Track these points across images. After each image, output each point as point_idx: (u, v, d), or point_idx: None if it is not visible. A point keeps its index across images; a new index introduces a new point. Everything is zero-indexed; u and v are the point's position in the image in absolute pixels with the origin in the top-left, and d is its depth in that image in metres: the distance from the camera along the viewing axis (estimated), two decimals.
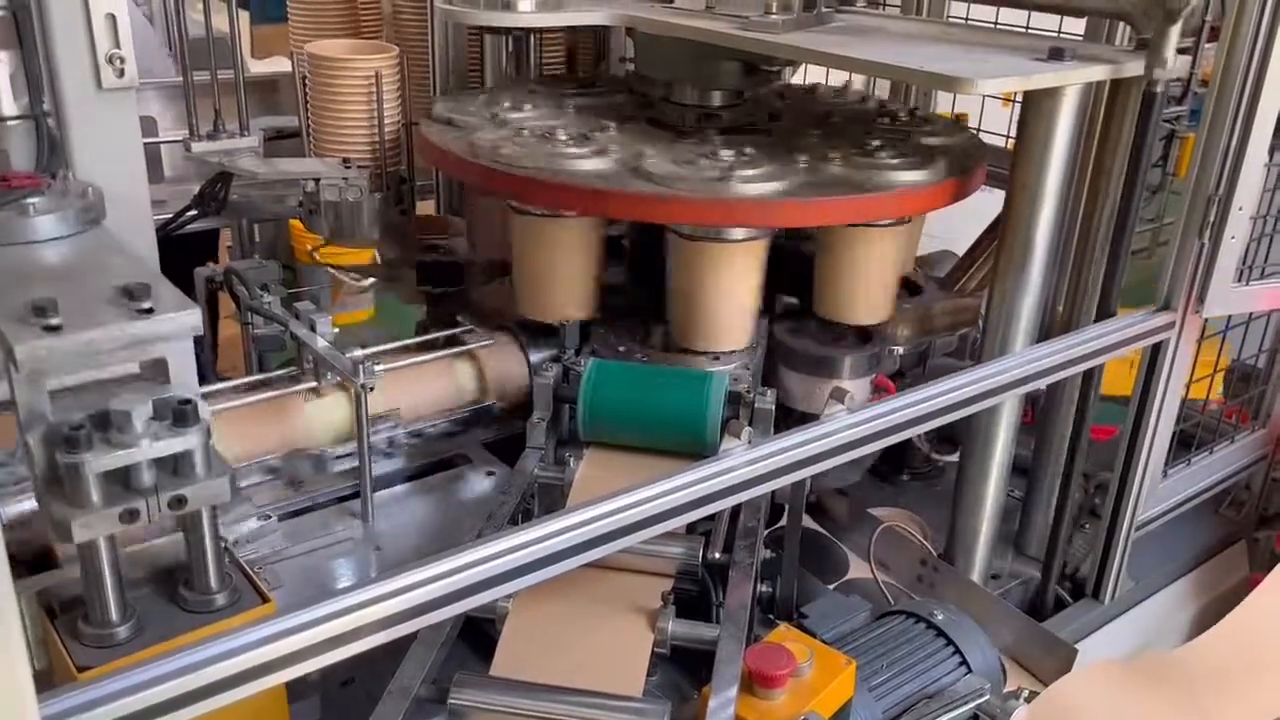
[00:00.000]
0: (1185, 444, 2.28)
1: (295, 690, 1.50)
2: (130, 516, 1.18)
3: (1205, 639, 2.04)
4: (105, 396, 1.20)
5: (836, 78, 2.83)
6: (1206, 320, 2.01)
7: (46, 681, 1.28)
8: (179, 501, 1.20)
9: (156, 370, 1.29)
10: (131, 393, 1.21)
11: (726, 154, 1.97)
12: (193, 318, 1.28)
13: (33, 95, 1.79)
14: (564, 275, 2.14)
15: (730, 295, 2.06)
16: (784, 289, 2.27)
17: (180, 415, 1.19)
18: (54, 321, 1.20)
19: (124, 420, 1.16)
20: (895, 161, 2.00)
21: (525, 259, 2.16)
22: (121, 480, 1.18)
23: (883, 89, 3.12)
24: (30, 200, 1.49)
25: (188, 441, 1.19)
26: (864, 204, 1.95)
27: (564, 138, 2.06)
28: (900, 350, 2.32)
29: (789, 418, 2.16)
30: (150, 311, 1.25)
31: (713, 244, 2.00)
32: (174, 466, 1.21)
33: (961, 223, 2.45)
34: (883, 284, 2.16)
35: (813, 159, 2.03)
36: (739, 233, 1.99)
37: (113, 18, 1.84)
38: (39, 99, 1.76)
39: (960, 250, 2.75)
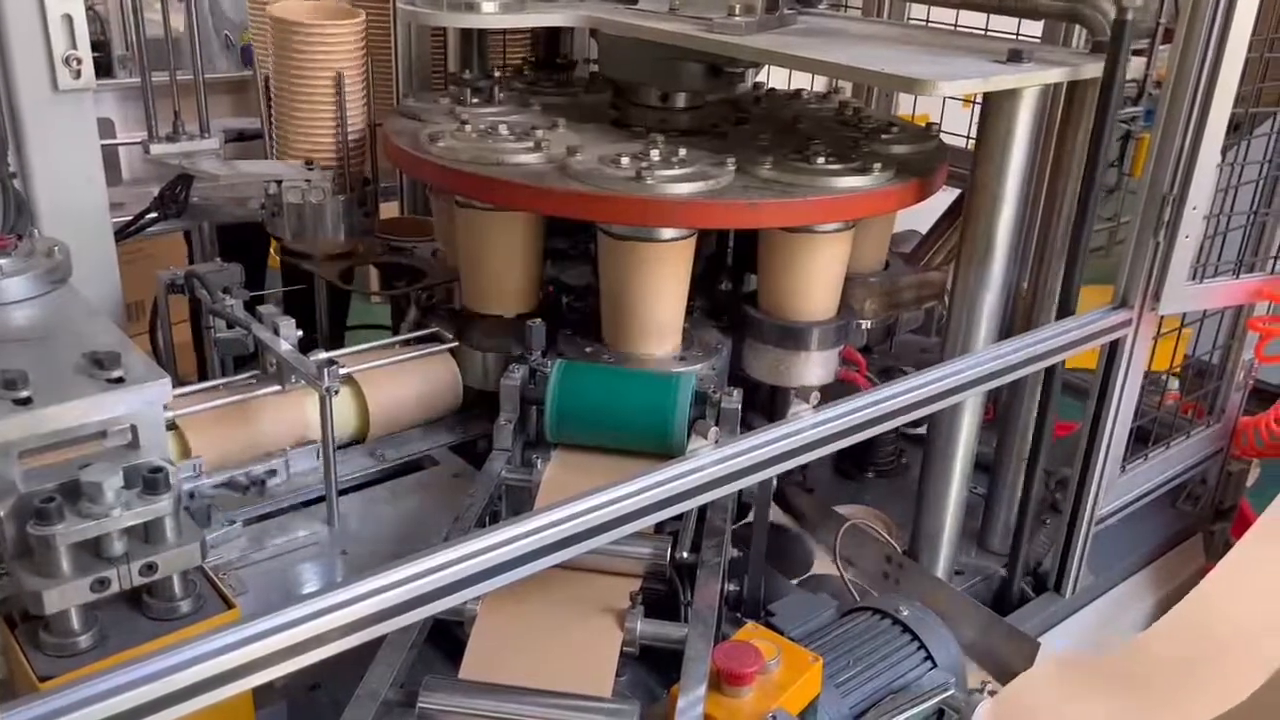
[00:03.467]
0: (1143, 439, 2.32)
1: (261, 697, 1.49)
2: (101, 585, 1.19)
3: (1163, 624, 2.07)
4: (75, 463, 1.21)
5: (812, 83, 2.85)
6: (1163, 317, 2.05)
7: (7, 692, 1.27)
8: (150, 568, 1.22)
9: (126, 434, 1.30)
10: (102, 461, 1.22)
11: (654, 153, 1.95)
12: (163, 388, 1.29)
13: None
14: (503, 268, 2.14)
15: (658, 296, 2.04)
16: (751, 267, 2.28)
17: (151, 484, 1.19)
18: (24, 394, 1.20)
19: (95, 491, 1.17)
20: (834, 166, 1.99)
21: (465, 251, 2.17)
22: (93, 549, 1.20)
23: (846, 91, 3.14)
24: None
25: (159, 509, 1.21)
26: (790, 208, 1.93)
27: (505, 133, 2.06)
28: (867, 325, 2.33)
29: (757, 392, 2.18)
30: (121, 381, 1.25)
31: (640, 244, 1.99)
32: (145, 534, 1.21)
33: (926, 204, 2.45)
34: (824, 287, 2.14)
35: (747, 161, 2.00)
36: (668, 233, 1.98)
37: (69, 18, 1.82)
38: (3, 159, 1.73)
39: (923, 230, 2.77)
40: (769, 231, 2.09)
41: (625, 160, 1.93)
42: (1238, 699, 1.71)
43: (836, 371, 2.20)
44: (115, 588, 1.20)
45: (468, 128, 2.10)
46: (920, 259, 2.54)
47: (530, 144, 2.02)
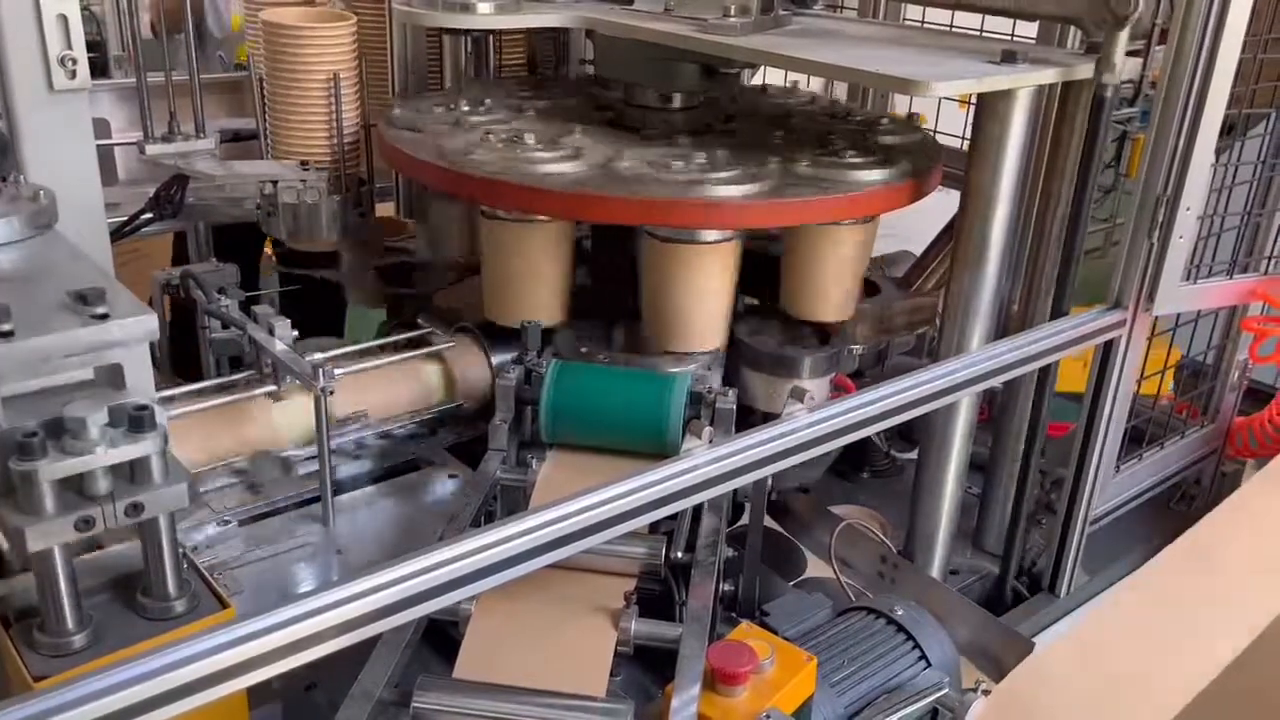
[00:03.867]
0: (1137, 440, 2.33)
1: (257, 696, 1.49)
2: (85, 525, 1.16)
3: (1155, 566, 2.06)
4: (60, 403, 1.18)
5: (808, 82, 2.86)
6: (1157, 318, 2.05)
7: (1, 692, 1.26)
8: (136, 508, 1.18)
9: (112, 375, 1.28)
10: (86, 398, 1.19)
11: (699, 157, 1.99)
12: (148, 323, 1.26)
13: None
14: (534, 279, 2.13)
15: (704, 296, 2.06)
16: (745, 289, 2.29)
17: (136, 421, 1.17)
18: (5, 327, 1.18)
19: (79, 427, 1.15)
20: (860, 161, 2.02)
21: (494, 263, 2.16)
22: (76, 488, 1.16)
23: (839, 91, 3.15)
24: None
25: (144, 447, 1.17)
26: (834, 204, 1.97)
27: (532, 141, 2.06)
28: (859, 350, 2.34)
29: (750, 417, 2.18)
30: (105, 317, 1.23)
31: (686, 246, 2.01)
32: (130, 473, 1.19)
33: (918, 223, 2.47)
34: (848, 281, 2.18)
35: (782, 160, 2.05)
36: (712, 235, 2.00)
37: (64, 18, 1.82)
38: None
39: (918, 250, 2.78)
40: (793, 230, 2.12)
41: (676, 164, 1.96)
42: (1232, 653, 1.70)
43: (829, 399, 2.20)
44: (100, 527, 1.16)
45: (491, 137, 2.09)
46: (912, 283, 2.56)
47: (565, 151, 2.03)
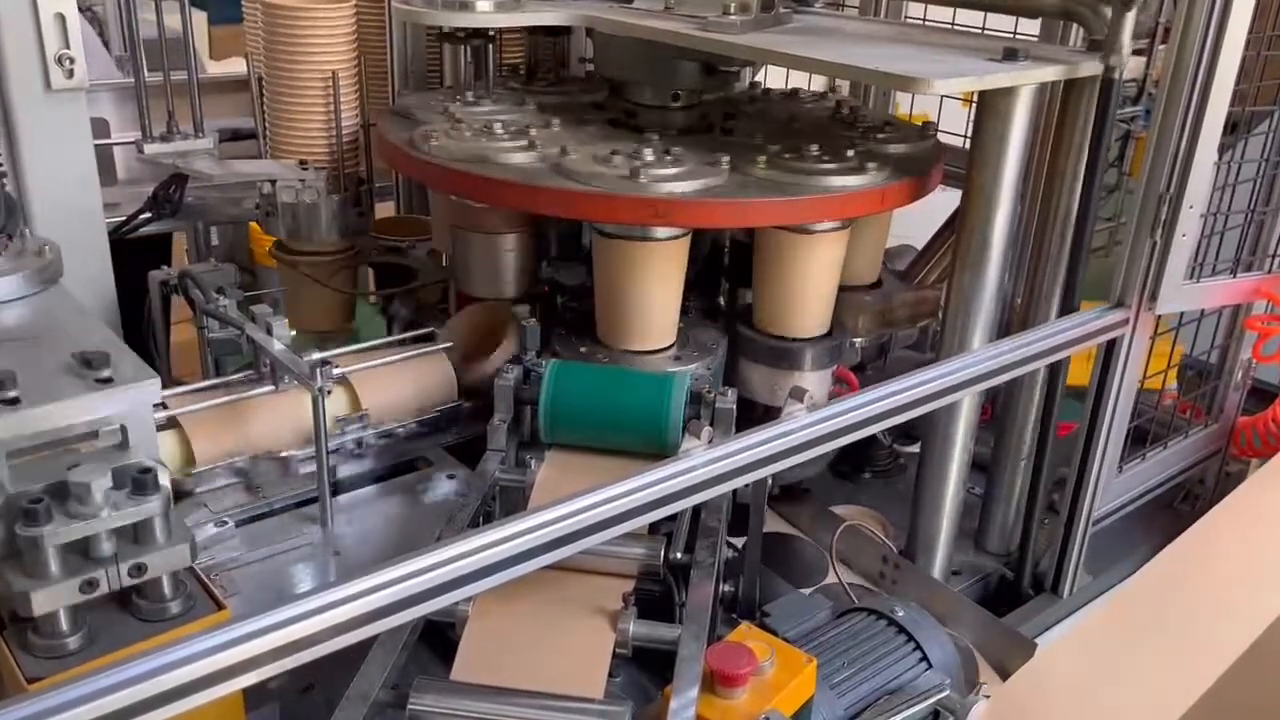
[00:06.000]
0: (1141, 439, 2.32)
1: (254, 698, 1.48)
2: (90, 587, 1.19)
3: (1149, 574, 2.05)
4: (64, 463, 1.20)
5: (810, 82, 2.85)
6: (1160, 317, 2.04)
7: None
8: (139, 569, 1.22)
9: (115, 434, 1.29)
10: (91, 462, 1.21)
11: (647, 152, 1.94)
12: (151, 389, 1.28)
13: None
14: (497, 262, 2.17)
15: (652, 296, 2.04)
16: (746, 283, 2.28)
17: (140, 484, 1.19)
18: (12, 394, 1.19)
19: (83, 492, 1.17)
20: (829, 165, 1.98)
21: (459, 246, 2.19)
22: (81, 549, 1.19)
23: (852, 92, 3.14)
24: None
25: (148, 509, 1.20)
26: (784, 206, 1.92)
27: (499, 132, 2.05)
28: (861, 342, 2.33)
29: (752, 411, 2.17)
30: (109, 381, 1.25)
31: (634, 243, 1.98)
32: (134, 534, 1.21)
33: (922, 218, 2.46)
34: (819, 294, 2.13)
35: (741, 160, 1.99)
36: (661, 232, 1.97)
37: (62, 17, 1.82)
38: None
39: (920, 245, 2.77)
40: (764, 235, 2.09)
41: (618, 159, 1.93)
42: (1234, 655, 1.69)
43: (830, 391, 2.19)
44: (104, 589, 1.19)
45: (461, 126, 2.10)
46: (915, 276, 2.54)
47: (524, 143, 2.02)
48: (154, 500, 1.20)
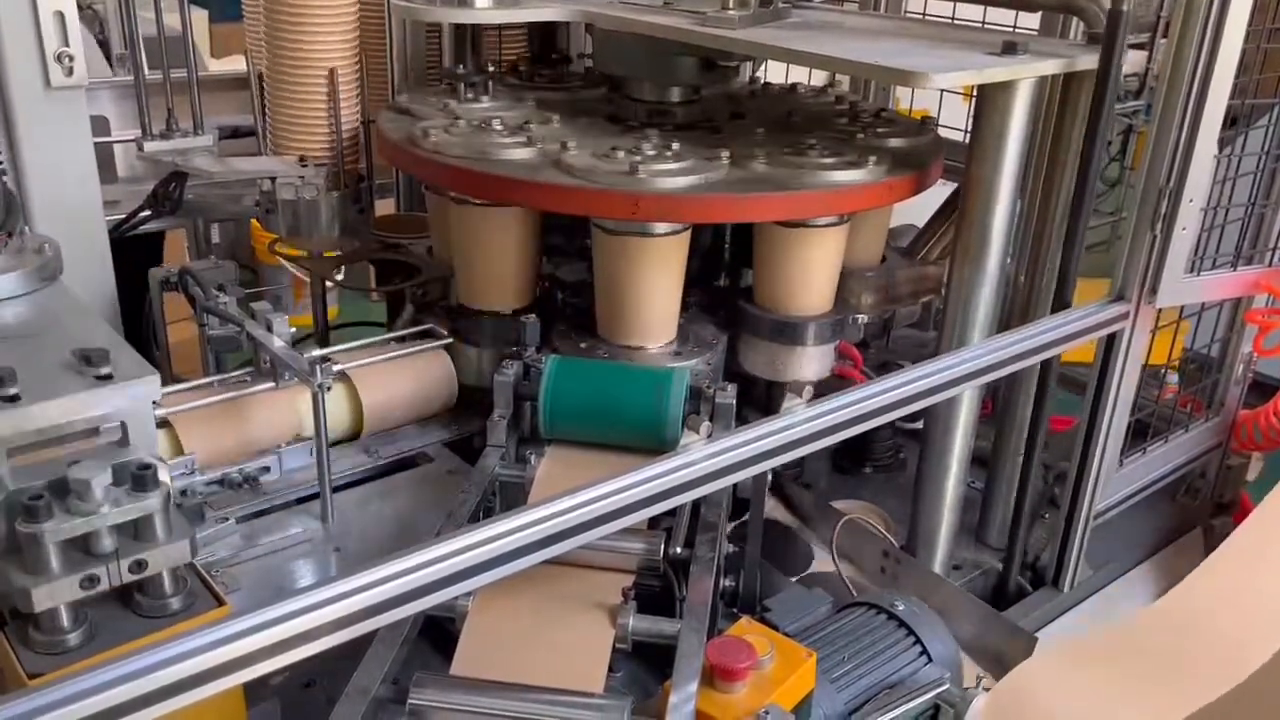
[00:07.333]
0: (1141, 433, 2.31)
1: (254, 693, 1.48)
2: (90, 583, 1.19)
3: (1158, 607, 2.06)
4: (64, 461, 1.21)
5: (810, 77, 2.84)
6: (1160, 310, 2.04)
7: None
8: (139, 565, 1.22)
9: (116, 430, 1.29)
10: (91, 459, 1.22)
11: (646, 147, 1.94)
12: (151, 385, 1.28)
13: None
14: (498, 263, 2.14)
15: (652, 291, 2.04)
16: (747, 263, 2.27)
17: (140, 480, 1.19)
18: (12, 391, 1.19)
19: (83, 488, 1.17)
20: (828, 160, 1.98)
21: (461, 247, 2.16)
22: (81, 546, 1.19)
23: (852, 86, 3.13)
24: None
25: (148, 506, 1.20)
26: (784, 202, 1.93)
27: (498, 127, 2.05)
28: (864, 318, 2.33)
29: (753, 387, 2.17)
30: (109, 378, 1.25)
31: (634, 238, 1.98)
32: (134, 531, 1.21)
33: (923, 199, 2.45)
34: (820, 281, 2.14)
35: (741, 155, 2.00)
36: (661, 227, 1.97)
37: (61, 15, 1.82)
38: None
39: (920, 223, 2.76)
40: (764, 226, 2.09)
41: (619, 154, 1.93)
42: (1226, 687, 1.69)
43: (833, 367, 2.19)
44: (104, 585, 1.20)
45: (460, 122, 2.10)
46: (917, 253, 2.54)
47: (523, 139, 2.02)
48: (154, 497, 1.20)
